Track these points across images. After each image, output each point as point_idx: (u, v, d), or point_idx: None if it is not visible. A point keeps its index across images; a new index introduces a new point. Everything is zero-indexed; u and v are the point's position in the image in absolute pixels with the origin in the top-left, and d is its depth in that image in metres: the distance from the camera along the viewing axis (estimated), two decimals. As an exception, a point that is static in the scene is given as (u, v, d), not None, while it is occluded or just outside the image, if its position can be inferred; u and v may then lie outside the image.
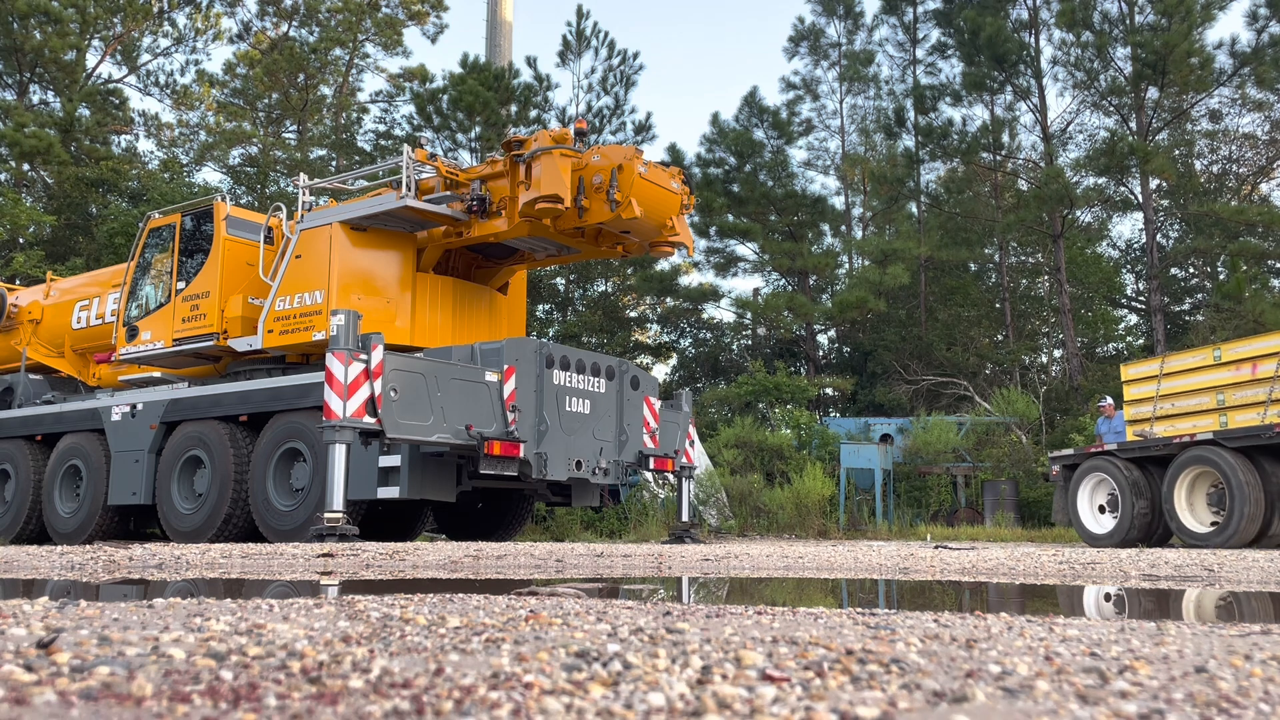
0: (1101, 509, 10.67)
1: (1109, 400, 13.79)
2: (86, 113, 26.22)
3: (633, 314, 29.00)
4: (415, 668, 1.67)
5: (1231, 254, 22.46)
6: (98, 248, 23.00)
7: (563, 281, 26.98)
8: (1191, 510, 9.80)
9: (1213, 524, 9.54)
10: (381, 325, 10.33)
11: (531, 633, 2.22)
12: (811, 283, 26.72)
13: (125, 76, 29.20)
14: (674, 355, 29.37)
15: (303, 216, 11.02)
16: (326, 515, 8.20)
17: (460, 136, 24.99)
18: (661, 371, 28.71)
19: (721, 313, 29.91)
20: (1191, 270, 27.82)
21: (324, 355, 8.94)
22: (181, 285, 11.41)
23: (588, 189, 10.02)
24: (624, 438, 10.85)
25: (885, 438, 18.27)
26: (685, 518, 11.95)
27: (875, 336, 25.99)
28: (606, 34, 27.16)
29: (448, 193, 10.78)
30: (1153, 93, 22.73)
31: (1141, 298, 27.73)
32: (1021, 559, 7.26)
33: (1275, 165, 26.93)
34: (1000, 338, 27.01)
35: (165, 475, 10.85)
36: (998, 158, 24.96)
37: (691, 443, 12.32)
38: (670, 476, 11.95)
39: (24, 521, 12.19)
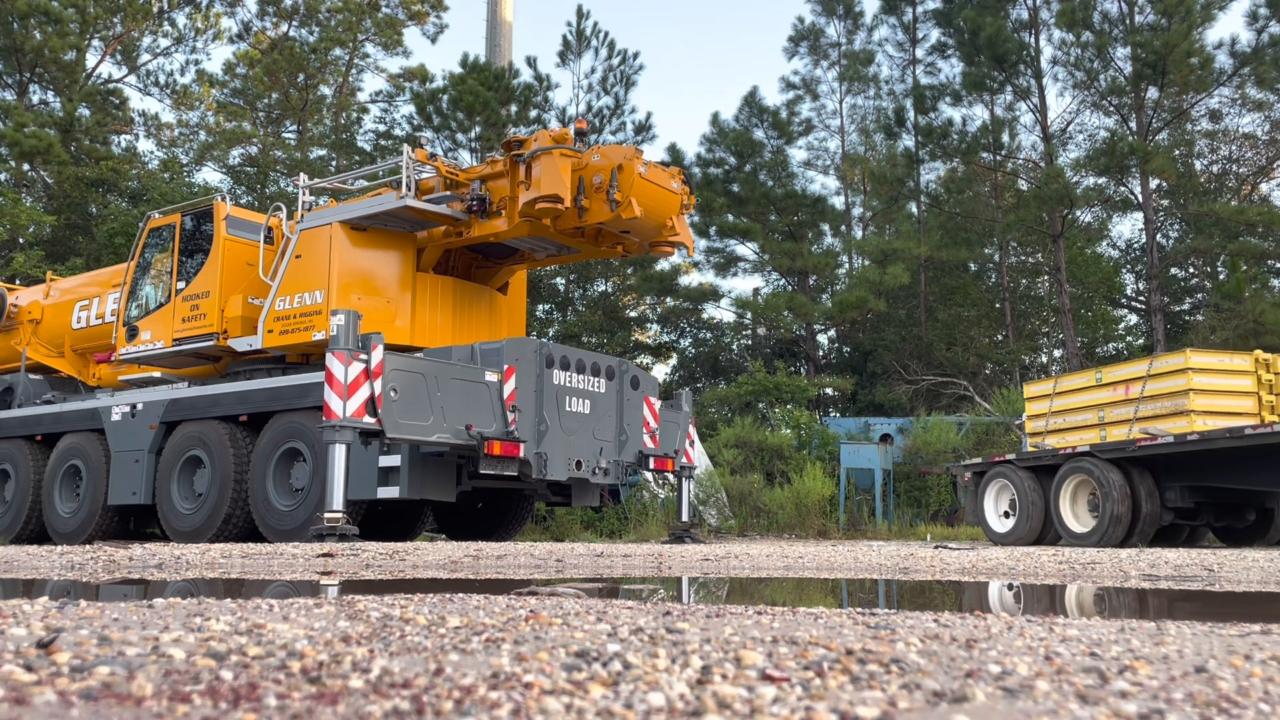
0: (1005, 511, 11.73)
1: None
2: (86, 113, 26.22)
3: (633, 314, 29.01)
4: (415, 668, 1.67)
5: (1231, 254, 22.47)
6: (98, 248, 23.00)
7: (563, 281, 26.99)
8: (1074, 513, 10.82)
9: (1090, 526, 10.53)
10: (381, 325, 10.33)
11: (531, 633, 2.22)
12: (811, 283, 26.73)
13: (125, 76, 29.23)
14: (674, 355, 29.38)
15: (303, 216, 11.02)
16: (326, 515, 8.19)
17: (460, 136, 25.00)
18: (661, 371, 28.72)
19: (721, 313, 29.95)
20: (1191, 270, 27.83)
21: (324, 355, 8.94)
22: (181, 285, 11.41)
23: (588, 189, 10.02)
24: (624, 438, 10.84)
25: (885, 438, 18.26)
26: (685, 518, 11.95)
27: (875, 336, 25.99)
28: (606, 34, 27.19)
29: (448, 193, 10.78)
30: (1153, 93, 22.73)
31: (1141, 298, 27.74)
32: (1021, 559, 7.26)
33: (1275, 165, 26.93)
34: (1000, 338, 27.02)
35: (165, 475, 10.85)
36: (998, 158, 24.96)
37: (691, 443, 12.32)
38: (670, 476, 11.95)
39: (24, 521, 12.19)
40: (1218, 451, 9.67)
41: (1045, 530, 11.17)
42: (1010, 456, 11.74)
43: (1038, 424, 12.36)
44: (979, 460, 12.27)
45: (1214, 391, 10.53)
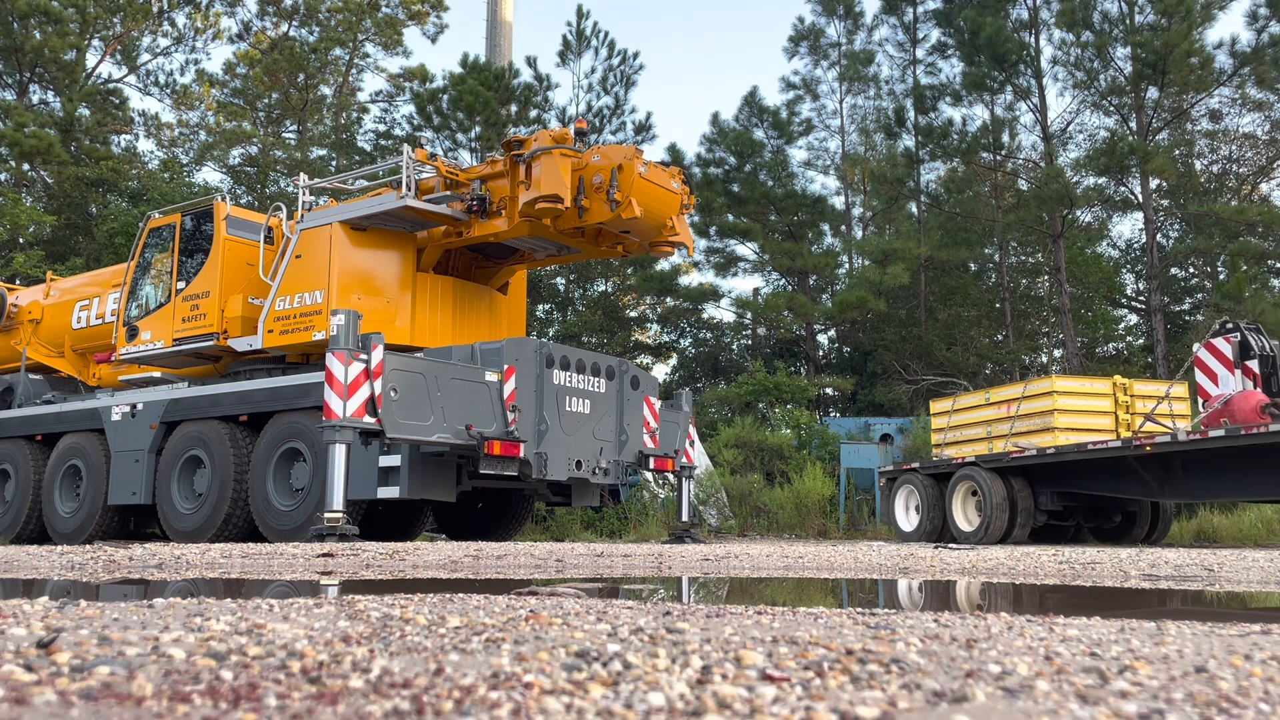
0: (911, 513, 13.03)
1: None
2: (86, 113, 26.22)
3: (633, 314, 29.00)
4: (415, 668, 1.67)
5: (1231, 254, 22.45)
6: (98, 248, 23.01)
7: (563, 281, 26.99)
8: (964, 514, 12.18)
9: (975, 525, 11.85)
10: (381, 325, 10.33)
11: (531, 633, 2.22)
12: (811, 283, 26.72)
13: (125, 76, 29.23)
14: (674, 355, 29.37)
15: (303, 216, 11.02)
16: (326, 515, 8.19)
17: (460, 136, 25.00)
18: (661, 371, 28.71)
19: (721, 313, 29.93)
20: (1191, 270, 27.81)
21: (324, 355, 8.94)
22: (181, 285, 11.41)
23: (588, 189, 10.02)
24: (624, 438, 10.84)
25: (885, 438, 18.26)
26: (685, 518, 11.95)
27: (875, 336, 25.98)
28: (606, 34, 27.19)
29: (448, 193, 10.78)
30: (1153, 93, 22.72)
31: (1141, 298, 27.72)
32: (1021, 559, 7.26)
33: (1275, 165, 26.92)
34: (1000, 338, 27.01)
35: (165, 475, 10.85)
36: (998, 158, 24.95)
37: (691, 443, 12.32)
38: (670, 476, 11.95)
39: (24, 521, 12.19)
40: (1073, 462, 11.17)
41: (944, 529, 12.42)
42: (915, 465, 13.14)
43: (939, 436, 14.10)
44: (891, 467, 13.69)
45: (1076, 411, 12.18)
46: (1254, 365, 10.66)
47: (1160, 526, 12.32)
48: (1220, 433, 9.55)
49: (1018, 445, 12.14)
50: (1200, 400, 11.15)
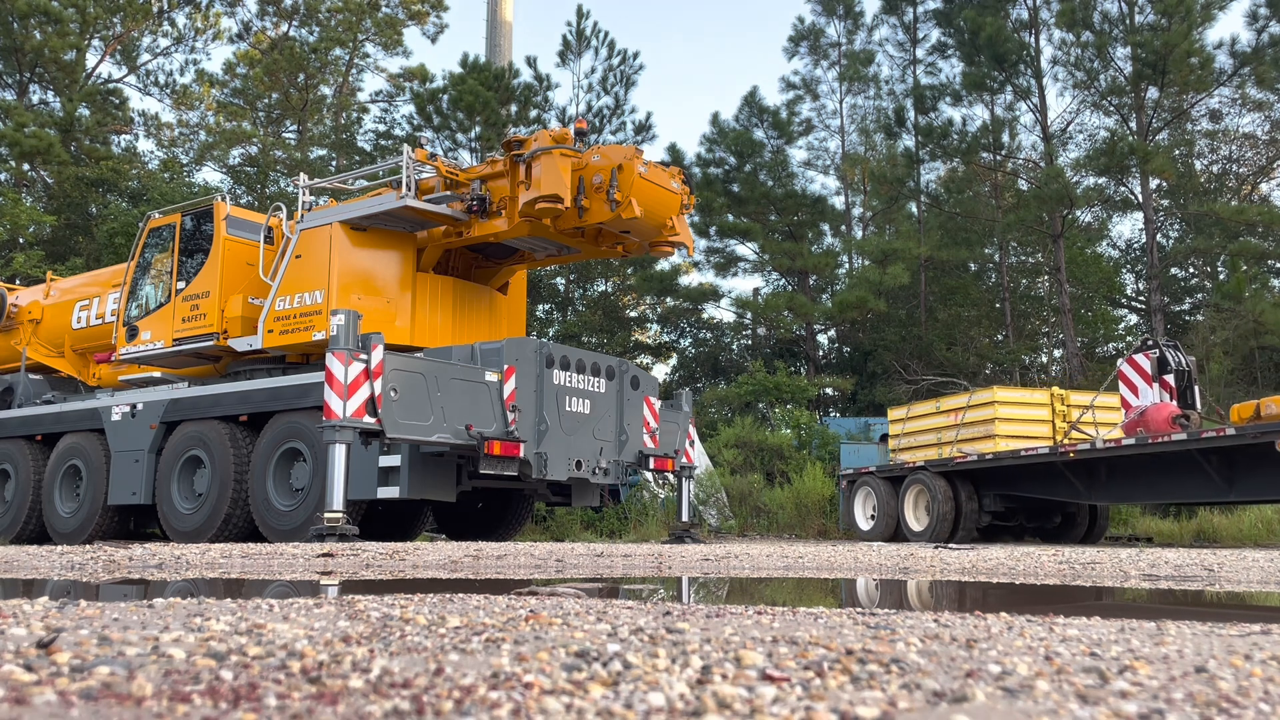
0: (870, 514, 13.78)
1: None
2: (86, 113, 26.23)
3: (633, 314, 29.01)
4: (415, 668, 1.67)
5: (1231, 254, 22.46)
6: (98, 248, 23.01)
7: (563, 281, 26.99)
8: (914, 514, 13.00)
9: (924, 524, 12.64)
10: (381, 325, 10.32)
11: (531, 633, 2.21)
12: (811, 283, 26.73)
13: (125, 76, 29.24)
14: (674, 355, 29.38)
15: (303, 216, 11.02)
16: (326, 515, 8.19)
17: (460, 136, 25.01)
18: (661, 371, 28.72)
19: (721, 313, 29.94)
20: (1191, 270, 27.82)
21: (324, 355, 8.93)
22: (181, 285, 11.41)
23: (588, 189, 10.02)
24: (624, 438, 10.84)
25: (885, 438, 18.25)
26: (685, 518, 11.95)
27: (875, 336, 25.99)
28: (606, 34, 27.21)
29: (448, 193, 10.78)
30: (1153, 93, 22.72)
31: (1141, 298, 27.72)
32: (1021, 559, 7.26)
33: (1275, 165, 26.92)
34: (1000, 338, 27.01)
35: (165, 475, 10.84)
36: (998, 158, 24.96)
37: (691, 443, 12.32)
38: (670, 476, 11.95)
39: (24, 521, 12.19)
40: (1011, 467, 11.90)
41: (898, 529, 13.17)
42: (872, 468, 13.93)
43: (895, 442, 14.89)
44: (851, 471, 14.45)
45: (1016, 420, 13.08)
46: (1170, 380, 11.53)
47: (1097, 527, 13.06)
48: (1131, 441, 10.40)
49: (962, 451, 12.93)
50: (1124, 411, 11.92)
